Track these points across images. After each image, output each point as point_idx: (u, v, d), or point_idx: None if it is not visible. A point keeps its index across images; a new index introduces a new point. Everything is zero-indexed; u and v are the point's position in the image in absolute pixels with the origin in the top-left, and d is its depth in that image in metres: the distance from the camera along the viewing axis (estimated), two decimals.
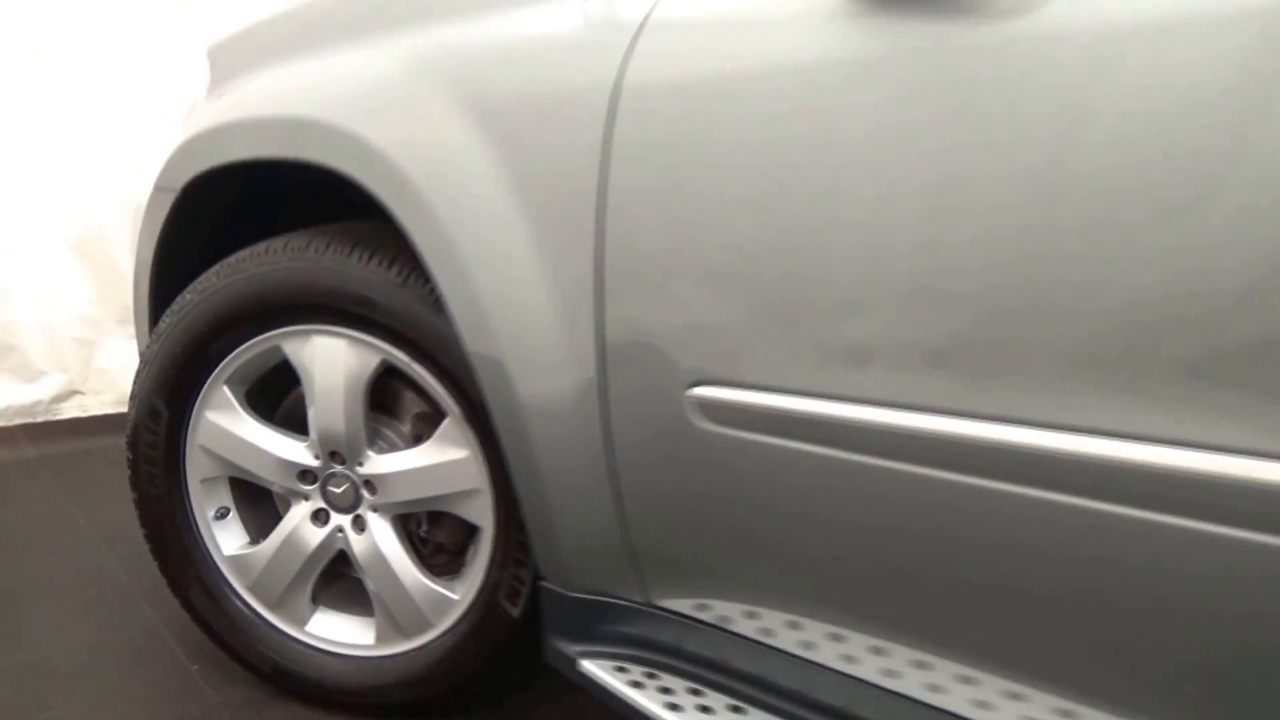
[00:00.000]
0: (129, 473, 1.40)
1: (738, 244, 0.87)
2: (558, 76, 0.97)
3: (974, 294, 0.76)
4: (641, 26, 0.93)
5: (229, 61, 1.44)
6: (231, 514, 1.41)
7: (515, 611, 1.23)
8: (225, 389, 1.32)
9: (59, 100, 2.64)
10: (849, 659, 0.97)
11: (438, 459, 1.23)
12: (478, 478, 1.21)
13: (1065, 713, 0.84)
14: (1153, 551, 0.73)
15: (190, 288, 1.33)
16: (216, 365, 1.31)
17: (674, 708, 1.01)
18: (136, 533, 1.42)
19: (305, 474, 1.32)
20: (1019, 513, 0.78)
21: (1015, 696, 0.88)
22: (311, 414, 1.28)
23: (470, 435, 1.19)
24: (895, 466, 0.83)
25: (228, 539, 1.40)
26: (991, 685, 0.89)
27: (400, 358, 1.21)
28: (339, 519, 1.32)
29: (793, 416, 0.87)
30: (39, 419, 2.69)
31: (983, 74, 0.74)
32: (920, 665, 0.93)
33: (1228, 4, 0.65)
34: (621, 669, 1.06)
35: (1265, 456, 0.66)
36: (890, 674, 0.95)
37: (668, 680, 1.05)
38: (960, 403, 0.78)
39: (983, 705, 0.89)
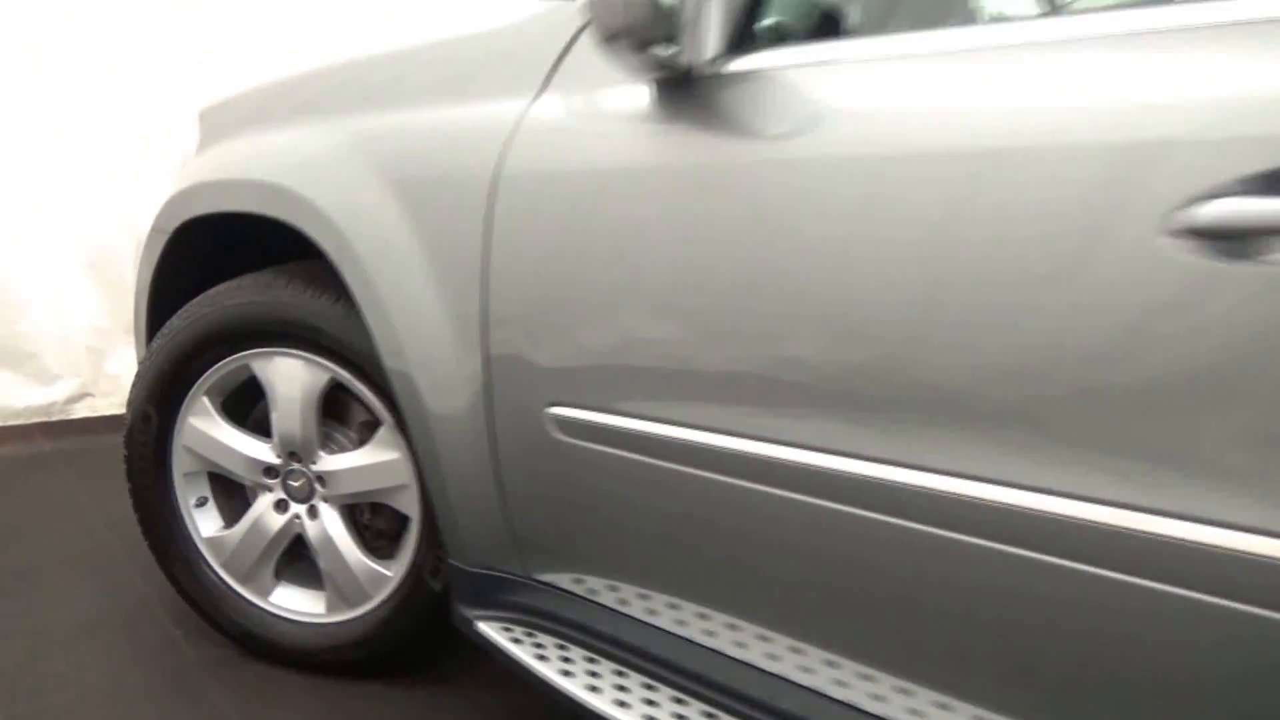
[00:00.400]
0: (125, 467, 1.68)
1: (580, 298, 1.13)
2: (456, 163, 1.24)
3: (736, 342, 1.02)
4: (515, 129, 1.20)
5: (214, 126, 1.73)
6: (209, 502, 1.69)
7: (437, 585, 1.50)
8: (205, 399, 1.60)
9: (59, 101, 2.82)
10: (681, 623, 1.23)
11: (375, 459, 1.50)
12: (406, 475, 1.48)
13: (866, 676, 1.08)
14: (928, 555, 0.95)
15: (178, 314, 1.61)
16: (197, 379, 1.59)
17: (542, 659, 1.27)
18: (134, 518, 1.70)
19: (269, 470, 1.59)
20: (781, 512, 1.04)
21: (831, 664, 1.11)
22: (274, 420, 1.55)
23: (400, 440, 1.46)
24: (699, 473, 1.10)
25: (206, 523, 1.68)
26: (814, 655, 1.12)
27: (344, 375, 1.48)
28: (296, 508, 1.60)
29: (625, 433, 1.14)
30: (54, 418, 2.98)
31: (740, 187, 1.00)
32: (762, 639, 1.15)
33: (943, 144, 0.90)
34: (507, 629, 1.33)
35: (1075, 498, 0.85)
36: (711, 634, 1.20)
37: (543, 639, 1.32)
38: (734, 424, 1.05)
39: (807, 670, 1.15)
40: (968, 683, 0.99)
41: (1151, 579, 0.82)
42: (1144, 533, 0.81)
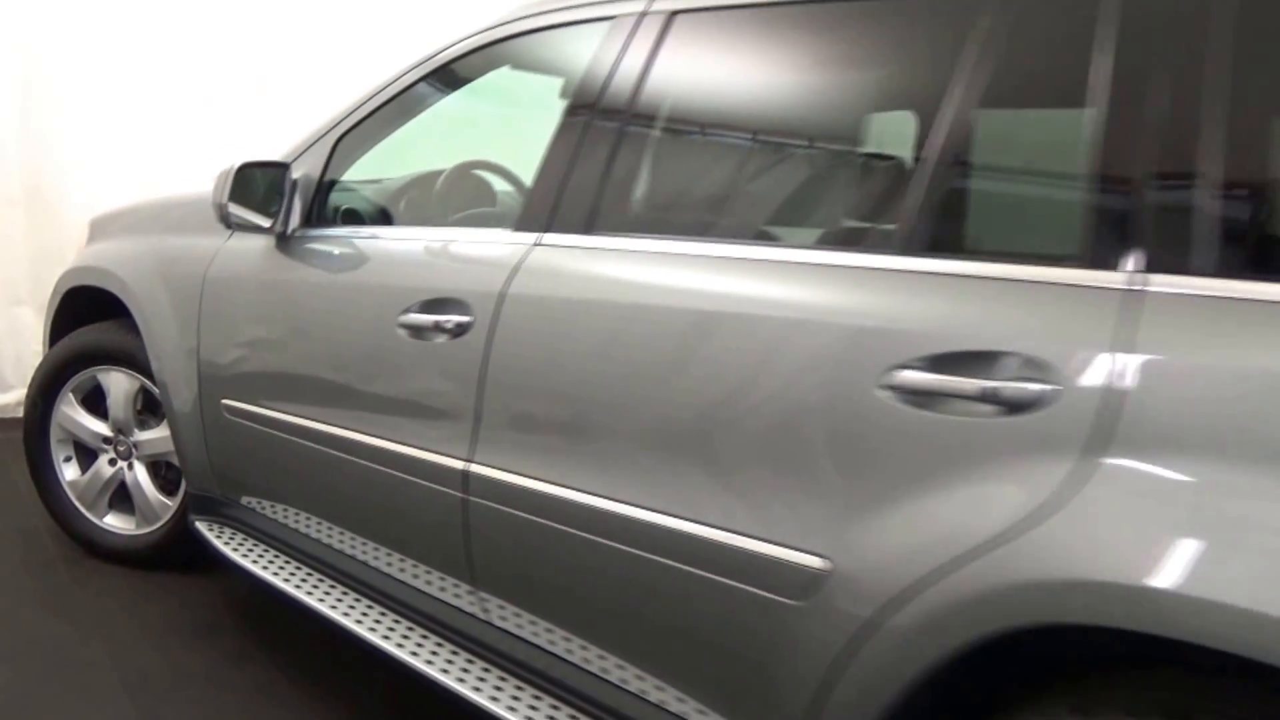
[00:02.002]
0: (23, 440, 2.74)
1: (235, 340, 2.20)
2: (189, 267, 2.32)
3: (305, 362, 2.07)
4: (216, 253, 2.27)
5: (94, 231, 2.81)
6: (72, 459, 2.74)
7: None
8: (70, 395, 2.67)
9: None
10: (308, 527, 2.25)
11: (161, 434, 2.56)
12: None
13: (413, 564, 2.09)
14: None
15: (57, 345, 2.69)
16: (66, 383, 2.66)
17: (228, 544, 2.30)
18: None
19: (106, 439, 2.65)
20: (342, 464, 2.06)
21: (388, 553, 2.13)
22: (109, 409, 2.61)
23: None
24: (299, 440, 2.13)
25: (69, 472, 2.73)
26: (380, 547, 2.11)
27: (147, 383, 2.55)
28: (122, 463, 2.65)
29: (258, 415, 2.18)
30: (5, 416, 4.04)
31: (297, 287, 2.07)
32: (352, 538, 2.14)
33: (394, 279, 1.96)
34: (212, 528, 2.37)
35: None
36: (324, 532, 2.23)
37: (240, 537, 2.35)
38: (312, 412, 2.09)
39: (376, 553, 2.16)
40: (494, 579, 2.01)
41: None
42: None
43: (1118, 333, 1.09)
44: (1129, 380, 1.06)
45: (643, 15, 1.69)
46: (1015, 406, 1.13)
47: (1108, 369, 1.08)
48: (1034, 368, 1.12)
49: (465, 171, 2.55)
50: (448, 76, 2.08)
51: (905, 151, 1.53)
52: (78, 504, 2.73)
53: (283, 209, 2.11)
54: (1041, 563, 1.08)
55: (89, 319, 2.72)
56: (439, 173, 2.47)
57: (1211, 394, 1.02)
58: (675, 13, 1.65)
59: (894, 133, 1.60)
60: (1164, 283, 1.09)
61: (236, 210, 2.06)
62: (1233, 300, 1.05)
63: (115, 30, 3.92)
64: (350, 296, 1.95)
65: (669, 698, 1.48)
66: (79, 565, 2.69)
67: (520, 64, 2.07)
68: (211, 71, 4.06)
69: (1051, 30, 1.29)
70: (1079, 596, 1.04)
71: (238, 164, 2.06)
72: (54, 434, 2.72)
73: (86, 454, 2.75)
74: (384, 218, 2.26)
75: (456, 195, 2.45)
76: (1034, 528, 1.09)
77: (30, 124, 3.84)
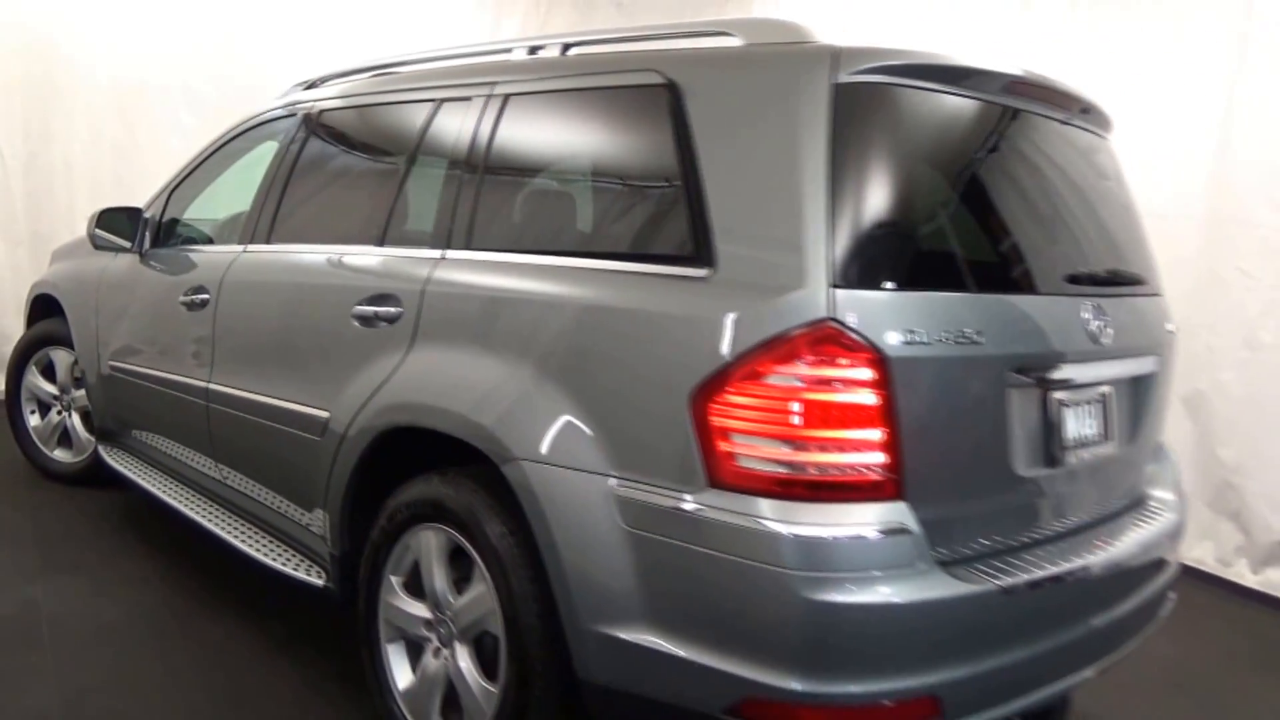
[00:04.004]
0: (4, 400, 3.99)
1: (115, 322, 3.39)
2: (92, 275, 3.54)
3: (144, 335, 3.25)
4: (107, 265, 3.49)
5: (54, 257, 4.08)
6: (35, 412, 3.98)
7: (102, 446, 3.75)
8: (32, 367, 3.92)
9: None
10: (162, 444, 3.42)
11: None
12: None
13: (211, 465, 3.24)
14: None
15: (26, 332, 3.95)
16: (29, 360, 3.92)
17: (117, 461, 3.49)
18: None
19: (55, 397, 3.89)
20: (164, 397, 3.22)
21: (208, 462, 3.28)
22: (57, 375, 3.85)
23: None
24: (150, 385, 3.30)
25: (33, 421, 3.97)
26: (205, 458, 3.27)
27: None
28: (65, 413, 3.88)
29: (127, 369, 3.36)
30: None
31: (144, 285, 3.26)
32: (217, 470, 3.32)
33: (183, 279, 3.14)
34: (110, 451, 3.56)
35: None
36: (168, 449, 3.39)
37: (129, 456, 3.52)
38: (156, 365, 3.26)
39: (205, 462, 3.32)
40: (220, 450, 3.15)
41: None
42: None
43: (426, 281, 2.17)
44: (426, 304, 2.15)
45: (312, 112, 2.83)
46: (390, 320, 2.22)
47: (417, 302, 2.16)
48: (396, 301, 2.21)
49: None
50: (244, 141, 3.25)
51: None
52: (38, 442, 3.96)
53: (138, 236, 3.31)
54: (394, 395, 2.17)
55: (49, 316, 3.98)
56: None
57: (455, 308, 2.10)
58: (318, 112, 2.80)
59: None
60: (453, 255, 2.17)
61: (104, 235, 3.27)
62: (480, 262, 2.12)
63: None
64: (165, 287, 3.14)
65: (274, 499, 2.62)
66: (37, 482, 3.92)
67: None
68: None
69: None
70: (406, 410, 2.12)
71: (97, 211, 3.30)
72: (22, 395, 3.96)
73: (44, 408, 3.98)
74: (205, 240, 3.43)
75: (232, 224, 3.61)
76: (392, 378, 2.18)
77: None
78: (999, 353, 1.72)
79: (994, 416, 1.75)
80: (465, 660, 2.01)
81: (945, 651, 1.63)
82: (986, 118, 1.95)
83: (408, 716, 2.13)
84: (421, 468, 2.15)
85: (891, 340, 1.57)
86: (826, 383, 1.56)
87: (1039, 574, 1.75)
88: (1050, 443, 1.88)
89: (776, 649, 1.58)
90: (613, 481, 1.72)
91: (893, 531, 1.59)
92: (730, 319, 1.63)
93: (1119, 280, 2.12)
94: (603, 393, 1.79)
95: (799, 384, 1.56)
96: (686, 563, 1.64)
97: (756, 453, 1.59)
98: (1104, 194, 2.24)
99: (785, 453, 1.57)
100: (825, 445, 1.57)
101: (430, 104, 2.38)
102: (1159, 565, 2.14)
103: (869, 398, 1.56)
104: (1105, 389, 2.03)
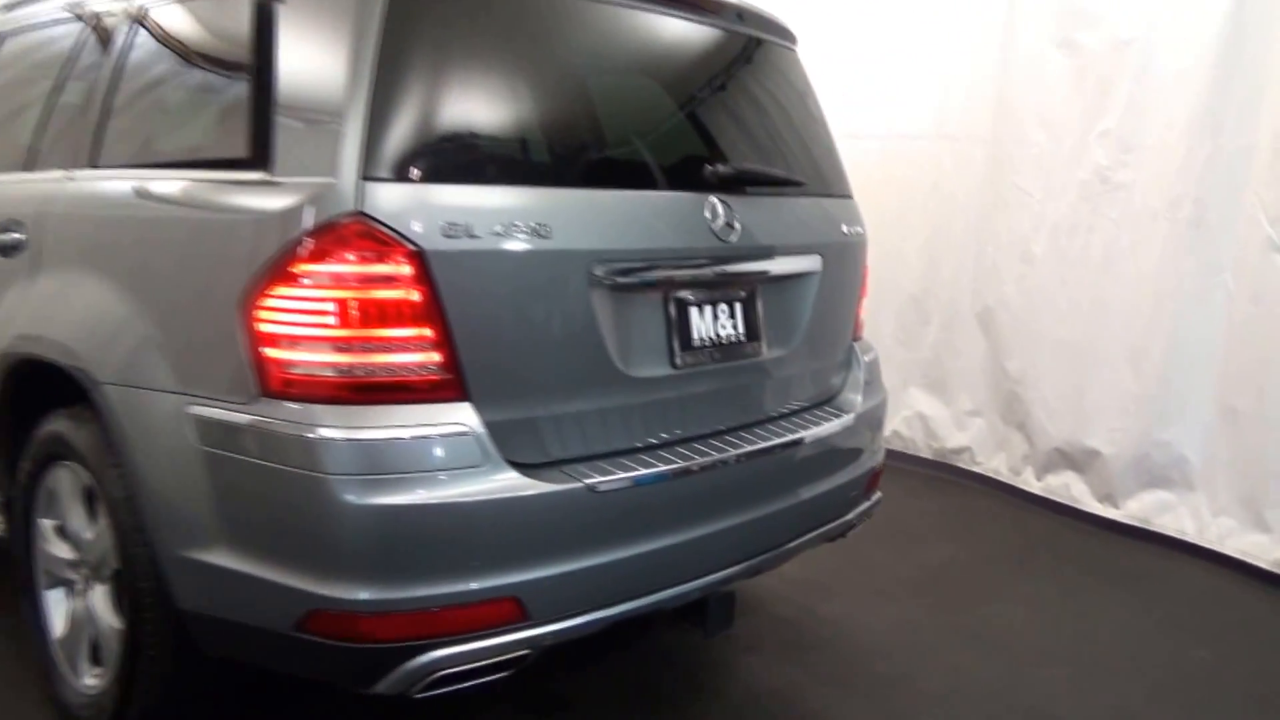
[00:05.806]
0: None
1: None
2: None
3: None
4: None
5: None
6: None
7: None
8: None
9: None
10: None
11: None
12: None
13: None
14: None
15: None
16: None
17: None
18: None
19: None
20: None
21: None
22: None
23: None
24: None
25: None
26: None
27: None
28: None
29: None
30: None
31: None
32: None
33: None
34: None
35: None
36: None
37: None
38: None
39: None
40: None
41: None
42: None
43: (42, 203, 2.05)
44: (44, 229, 2.03)
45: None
46: (16, 247, 2.09)
47: (38, 227, 2.04)
48: (21, 227, 2.09)
49: None
50: None
51: None
52: None
53: None
54: (17, 325, 2.05)
55: None
56: None
57: (64, 231, 1.98)
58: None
59: None
60: (79, 175, 2.05)
61: None
62: (89, 181, 2.01)
63: None
64: None
65: None
66: None
67: None
68: None
69: None
70: (26, 341, 2.01)
71: None
72: None
73: None
74: None
75: None
76: (19, 310, 2.06)
77: None
78: (574, 247, 1.66)
79: (580, 315, 1.69)
80: (99, 599, 1.93)
81: (525, 552, 1.59)
82: (577, 12, 1.87)
83: (63, 664, 2.05)
84: (69, 403, 2.04)
85: (431, 234, 1.50)
86: (362, 280, 1.49)
87: (641, 473, 1.71)
88: (673, 342, 1.84)
89: (337, 559, 1.52)
90: (185, 399, 1.64)
91: (452, 433, 1.54)
92: (266, 218, 1.55)
93: (760, 180, 2.07)
94: (171, 308, 1.70)
95: (331, 282, 1.49)
96: (248, 478, 1.57)
97: (301, 357, 1.51)
98: (765, 100, 2.19)
99: (329, 355, 1.50)
100: (369, 345, 1.50)
101: (56, 25, 2.29)
102: (827, 467, 2.13)
103: (408, 294, 1.50)
104: (744, 289, 1.99)
